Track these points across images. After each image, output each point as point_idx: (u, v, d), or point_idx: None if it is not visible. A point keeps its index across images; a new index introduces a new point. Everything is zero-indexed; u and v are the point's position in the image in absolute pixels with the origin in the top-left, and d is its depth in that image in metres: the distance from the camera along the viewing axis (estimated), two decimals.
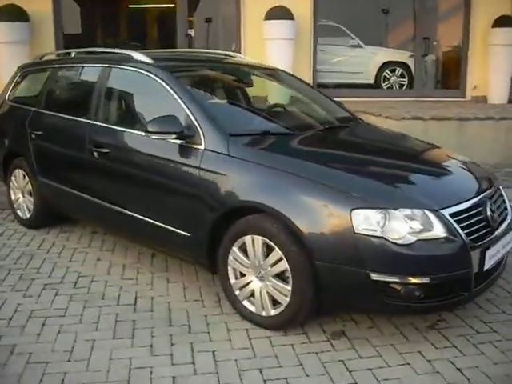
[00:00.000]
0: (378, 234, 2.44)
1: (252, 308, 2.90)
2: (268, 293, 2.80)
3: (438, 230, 2.50)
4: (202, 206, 2.96)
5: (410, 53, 9.75)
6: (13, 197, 4.73)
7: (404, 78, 9.84)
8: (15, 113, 4.63)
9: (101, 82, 3.77)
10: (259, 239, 2.76)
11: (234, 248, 2.89)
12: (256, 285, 2.86)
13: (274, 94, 4.22)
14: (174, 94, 3.24)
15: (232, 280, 2.96)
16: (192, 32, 8.74)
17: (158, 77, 3.38)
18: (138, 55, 3.68)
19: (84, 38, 9.82)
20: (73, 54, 4.43)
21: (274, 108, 4.08)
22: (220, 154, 2.95)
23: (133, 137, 3.43)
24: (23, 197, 4.63)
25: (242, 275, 2.92)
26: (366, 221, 2.47)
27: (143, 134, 3.21)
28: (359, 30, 9.67)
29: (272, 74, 4.31)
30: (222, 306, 3.13)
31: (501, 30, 9.18)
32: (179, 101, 3.20)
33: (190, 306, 3.15)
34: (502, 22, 9.11)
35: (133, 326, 2.92)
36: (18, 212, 4.65)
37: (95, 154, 3.60)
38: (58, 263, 3.81)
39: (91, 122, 3.73)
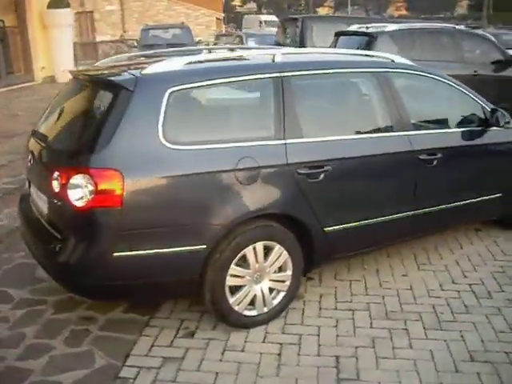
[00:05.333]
0: None
1: None
2: None
3: None
4: None
5: None
6: (229, 296, 2.94)
7: None
8: (216, 159, 2.83)
9: (381, 90, 3.39)
10: None
11: None
12: None
13: None
14: (471, 96, 3.90)
15: None
16: None
17: (452, 82, 3.80)
18: (399, 58, 3.59)
19: None
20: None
21: None
22: None
23: (464, 134, 3.76)
24: (256, 284, 3.02)
25: None
26: None
27: (490, 128, 3.84)
28: None
29: None
30: None
31: (55, 11, 9.80)
32: (473, 98, 3.91)
33: None
34: (55, 2, 9.68)
35: None
36: (237, 308, 2.99)
37: (426, 163, 3.49)
38: None
39: (412, 132, 3.43)
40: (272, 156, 2.95)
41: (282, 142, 2.99)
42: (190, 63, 2.96)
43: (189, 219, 2.77)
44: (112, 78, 2.89)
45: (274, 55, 3.14)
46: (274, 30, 32.65)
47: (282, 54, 3.17)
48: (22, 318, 3.24)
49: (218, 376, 2.69)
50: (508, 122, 3.91)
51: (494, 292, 3.46)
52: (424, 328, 3.08)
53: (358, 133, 3.35)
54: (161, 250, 2.70)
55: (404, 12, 63.21)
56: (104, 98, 2.81)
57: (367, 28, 8.14)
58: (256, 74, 3.02)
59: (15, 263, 4.02)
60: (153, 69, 2.83)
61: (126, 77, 2.81)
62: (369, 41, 7.73)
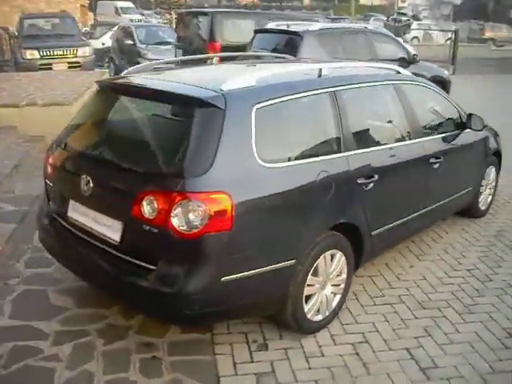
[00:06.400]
0: None
1: None
2: None
3: None
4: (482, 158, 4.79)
5: None
6: (304, 305, 3.08)
7: None
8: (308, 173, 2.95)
9: (401, 100, 3.73)
10: None
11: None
12: None
13: None
14: (450, 101, 4.40)
15: None
16: None
17: (436, 89, 4.22)
18: (402, 69, 3.91)
19: None
20: None
21: None
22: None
23: (453, 137, 4.27)
24: (322, 290, 3.18)
25: None
26: None
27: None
28: None
29: None
30: None
31: None
32: (454, 104, 4.44)
33: None
34: None
35: None
36: (309, 316, 3.14)
37: (433, 165, 3.92)
38: None
39: (424, 139, 3.87)
40: (339, 168, 3.11)
41: (344, 154, 3.16)
42: (264, 78, 2.97)
43: (285, 236, 2.83)
44: (192, 95, 2.76)
45: (321, 69, 3.27)
46: (134, 17, 31.57)
47: (328, 69, 3.31)
48: (74, 354, 2.98)
49: (318, 383, 2.82)
50: (486, 126, 4.52)
51: (491, 275, 4.03)
52: (457, 313, 3.51)
53: (393, 141, 3.65)
54: (261, 269, 2.72)
55: (255, 0, 65.32)
56: (187, 116, 2.69)
57: (288, 26, 8.46)
58: (320, 89, 3.15)
59: (18, 292, 3.61)
60: (233, 84, 2.79)
61: (211, 94, 2.71)
62: (294, 39, 8.06)
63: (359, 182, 3.22)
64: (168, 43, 13.39)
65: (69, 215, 3.06)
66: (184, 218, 2.48)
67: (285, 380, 2.84)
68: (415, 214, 3.88)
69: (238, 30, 10.23)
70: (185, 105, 2.76)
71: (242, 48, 9.39)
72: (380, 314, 3.48)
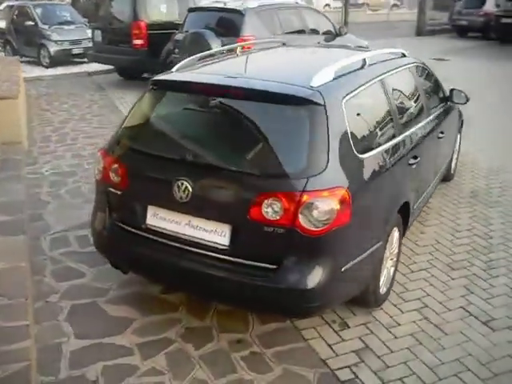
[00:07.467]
0: None
1: None
2: None
3: None
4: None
5: None
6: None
7: None
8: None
9: (416, 81, 4.05)
10: None
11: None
12: None
13: None
14: (435, 76, 4.79)
15: None
16: None
17: (426, 66, 4.57)
18: (406, 52, 4.18)
19: None
20: None
21: None
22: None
23: (445, 111, 4.69)
24: (386, 265, 3.43)
25: None
26: None
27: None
28: None
29: None
30: None
31: None
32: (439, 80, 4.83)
33: None
34: None
35: None
36: (380, 291, 3.37)
37: (440, 139, 4.34)
38: None
39: (435, 114, 4.27)
40: (400, 152, 3.35)
41: (399, 138, 3.39)
42: (339, 70, 3.05)
43: (379, 219, 3.04)
44: (290, 93, 2.77)
45: (365, 59, 3.42)
46: None
47: (370, 58, 3.48)
48: (172, 364, 2.94)
49: (411, 349, 3.09)
50: (468, 100, 4.97)
51: (489, 232, 4.58)
52: (482, 269, 3.98)
53: (421, 121, 3.95)
54: (365, 254, 2.90)
55: None
56: (287, 115, 2.72)
57: (225, 4, 8.38)
58: (374, 78, 3.32)
59: (67, 309, 3.40)
60: (319, 79, 2.85)
61: (308, 91, 2.76)
62: (234, 17, 8.03)
63: (410, 162, 3.49)
64: (71, 23, 12.48)
65: (148, 223, 2.94)
66: (311, 217, 2.55)
67: (381, 352, 3.07)
68: (432, 184, 4.29)
69: (162, 8, 9.88)
70: (282, 103, 2.77)
71: (170, 26, 9.14)
72: (422, 279, 3.84)
